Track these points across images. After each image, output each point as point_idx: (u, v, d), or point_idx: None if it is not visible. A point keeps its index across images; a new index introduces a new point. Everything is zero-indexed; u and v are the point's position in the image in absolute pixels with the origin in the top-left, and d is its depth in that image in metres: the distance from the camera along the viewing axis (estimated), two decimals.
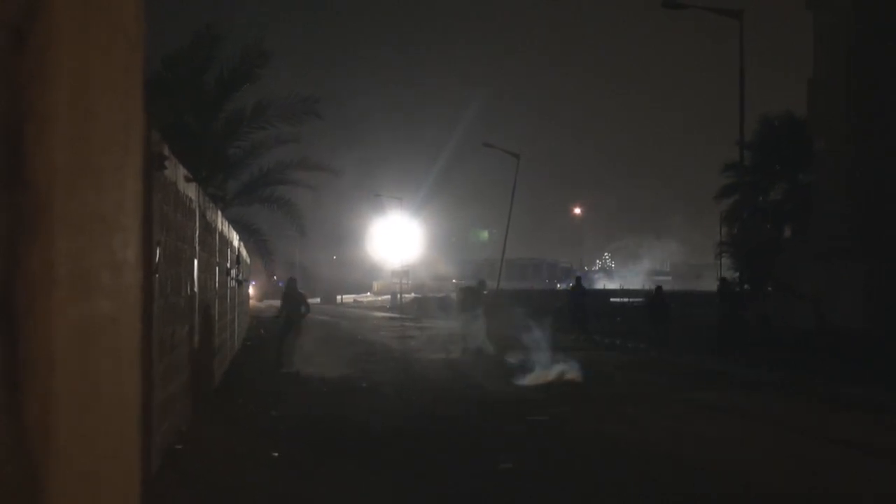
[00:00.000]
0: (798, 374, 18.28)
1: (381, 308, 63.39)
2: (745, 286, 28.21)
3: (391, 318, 47.64)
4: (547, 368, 17.32)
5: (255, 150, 24.98)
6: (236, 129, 23.86)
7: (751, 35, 36.86)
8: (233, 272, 19.33)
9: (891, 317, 24.63)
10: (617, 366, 19.90)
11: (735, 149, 28.84)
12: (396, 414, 12.99)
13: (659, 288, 26.72)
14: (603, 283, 78.21)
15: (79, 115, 0.98)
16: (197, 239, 11.57)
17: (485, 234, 45.71)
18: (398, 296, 59.80)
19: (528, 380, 16.63)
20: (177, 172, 9.62)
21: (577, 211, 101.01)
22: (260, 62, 23.40)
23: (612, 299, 47.14)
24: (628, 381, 17.13)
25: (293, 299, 19.99)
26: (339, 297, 79.49)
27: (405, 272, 63.38)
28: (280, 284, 21.00)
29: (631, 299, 50.62)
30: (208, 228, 13.36)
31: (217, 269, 15.18)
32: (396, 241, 71.98)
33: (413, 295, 66.87)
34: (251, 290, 40.39)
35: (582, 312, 28.94)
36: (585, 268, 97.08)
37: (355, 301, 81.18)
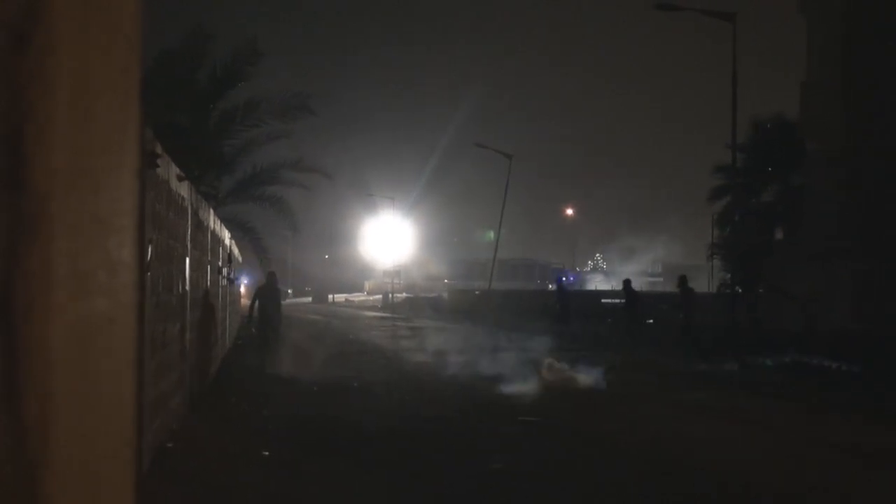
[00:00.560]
0: (788, 376, 18.34)
1: (373, 307, 63.38)
2: (737, 287, 28.26)
3: (383, 318, 47.66)
4: (538, 369, 17.33)
5: (247, 148, 24.94)
6: (228, 127, 23.82)
7: (745, 37, 36.91)
8: (224, 270, 19.29)
9: (882, 318, 24.70)
10: (607, 366, 19.91)
11: (727, 151, 28.88)
12: (389, 414, 12.98)
13: (627, 282, 26.25)
14: (595, 285, 78.27)
15: (78, 116, 0.98)
16: (189, 237, 11.55)
17: (491, 235, 45.86)
18: (390, 295, 59.79)
19: (520, 380, 16.62)
20: (169, 171, 9.60)
21: (570, 212, 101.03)
22: (253, 60, 23.35)
23: (603, 300, 47.15)
24: (621, 381, 17.14)
25: (270, 297, 19.46)
26: (330, 297, 79.45)
27: (397, 272, 63.37)
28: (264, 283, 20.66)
29: (623, 300, 50.57)
30: (200, 227, 13.35)
31: (209, 267, 15.16)
32: (388, 240, 71.96)
33: (405, 295, 66.92)
34: (243, 289, 40.32)
35: (565, 313, 29.05)
36: (577, 268, 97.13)
37: (347, 300, 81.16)
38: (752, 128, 34.50)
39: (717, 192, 35.20)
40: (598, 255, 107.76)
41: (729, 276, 29.88)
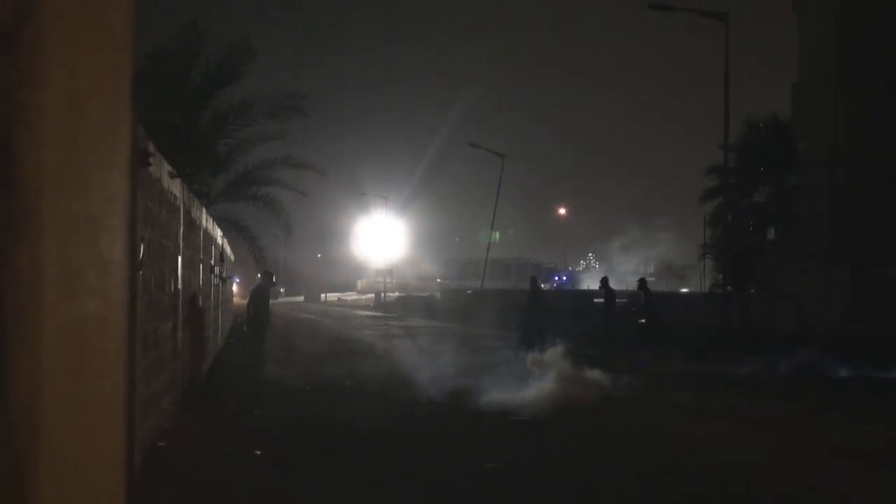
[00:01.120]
0: (782, 376, 18.37)
1: (365, 307, 63.38)
2: (729, 288, 28.31)
3: (375, 317, 47.66)
4: (532, 367, 17.33)
5: (240, 147, 24.91)
6: (222, 126, 23.78)
7: (739, 38, 37.08)
8: (216, 269, 19.25)
9: (874, 318, 24.76)
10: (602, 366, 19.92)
11: (721, 151, 28.95)
12: (383, 413, 12.98)
13: (604, 280, 26.21)
14: (587, 284, 78.28)
15: (68, 116, 0.98)
16: (181, 236, 11.53)
17: (496, 235, 45.84)
18: (382, 295, 59.79)
19: (515, 379, 16.62)
20: (161, 169, 9.59)
21: (562, 211, 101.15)
22: (247, 59, 23.32)
23: (595, 300, 47.14)
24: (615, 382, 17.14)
25: (261, 297, 19.36)
26: (323, 296, 79.42)
27: (389, 271, 63.36)
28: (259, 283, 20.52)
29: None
30: (192, 225, 13.33)
31: (201, 266, 15.14)
32: (381, 240, 71.94)
33: (397, 294, 66.92)
34: (235, 288, 40.27)
35: (535, 316, 29.10)
36: (570, 267, 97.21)
37: (339, 299, 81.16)
38: (746, 128, 34.59)
39: (710, 193, 35.25)
40: (590, 254, 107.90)
41: (721, 276, 29.94)
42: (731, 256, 28.60)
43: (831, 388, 16.82)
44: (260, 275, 20.41)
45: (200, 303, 14.92)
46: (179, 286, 11.43)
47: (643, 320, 23.36)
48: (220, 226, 22.10)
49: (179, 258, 11.38)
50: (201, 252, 15.17)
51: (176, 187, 10.97)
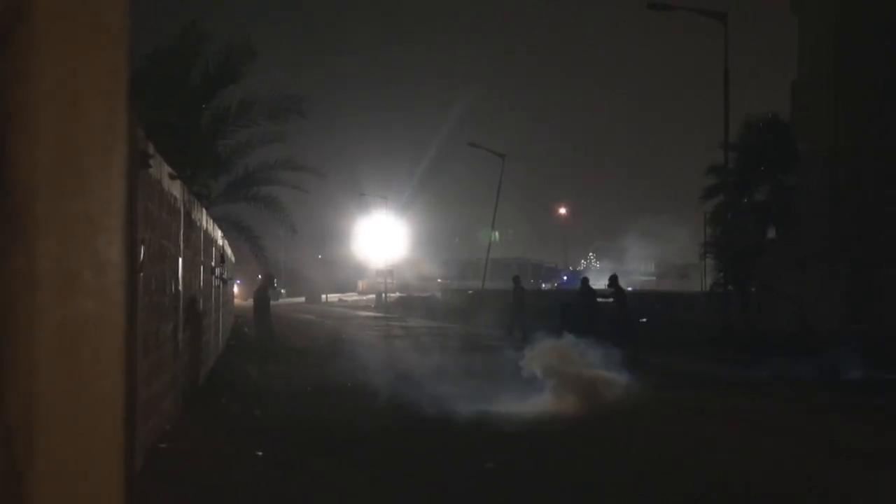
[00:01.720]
0: (781, 376, 18.34)
1: (366, 307, 63.36)
2: (730, 287, 28.30)
3: (376, 318, 47.65)
4: (533, 367, 17.27)
5: (240, 149, 24.91)
6: (221, 127, 23.78)
7: (739, 37, 37.06)
8: (217, 271, 19.25)
9: (874, 318, 24.77)
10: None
11: (720, 150, 28.96)
12: (383, 413, 12.97)
13: (584, 281, 26.23)
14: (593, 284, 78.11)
15: (63, 116, 0.98)
16: (181, 237, 11.53)
17: (496, 235, 45.88)
18: (383, 295, 59.77)
19: (514, 379, 16.58)
20: (161, 170, 9.59)
21: (562, 211, 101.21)
22: (246, 60, 23.32)
23: (599, 299, 47.06)
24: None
25: (262, 299, 19.35)
26: (323, 296, 79.41)
27: (390, 271, 63.35)
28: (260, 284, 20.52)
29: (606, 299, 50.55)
30: (192, 227, 13.33)
31: (201, 267, 15.14)
32: (381, 240, 71.93)
33: (398, 294, 66.87)
34: (236, 289, 40.27)
35: (521, 312, 29.28)
36: (570, 267, 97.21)
37: (340, 300, 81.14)
38: (745, 127, 34.59)
39: (710, 192, 35.22)
40: (591, 253, 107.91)
41: (722, 275, 29.92)
42: (731, 255, 28.59)
43: (824, 387, 16.78)
44: (261, 276, 20.45)
45: (201, 304, 14.92)
46: (180, 288, 11.43)
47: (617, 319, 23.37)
48: (220, 227, 22.10)
49: (180, 259, 11.38)
50: (202, 253, 15.17)
51: (176, 188, 10.97)
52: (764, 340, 23.71)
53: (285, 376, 17.25)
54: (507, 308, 30.22)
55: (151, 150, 8.58)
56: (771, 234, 35.15)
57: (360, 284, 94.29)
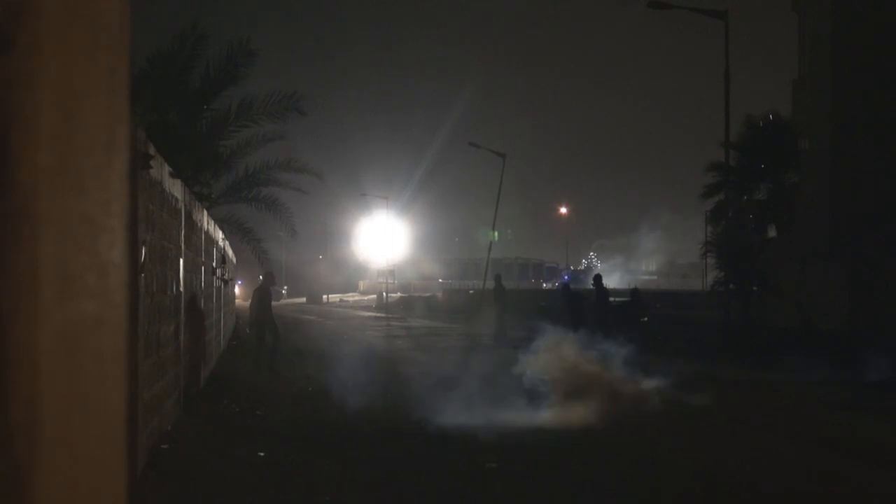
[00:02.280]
0: (783, 374, 18.33)
1: (367, 307, 63.35)
2: (731, 285, 28.29)
3: (377, 318, 47.64)
4: (530, 367, 17.25)
5: (240, 149, 24.91)
6: (222, 128, 23.77)
7: (739, 36, 37.13)
8: (218, 271, 19.26)
9: (875, 317, 24.76)
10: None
11: (721, 148, 28.96)
12: (384, 414, 12.98)
13: (565, 284, 26.46)
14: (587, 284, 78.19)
15: (64, 117, 0.98)
16: (182, 238, 11.54)
17: (495, 235, 45.87)
18: (384, 295, 59.79)
19: (513, 380, 16.58)
20: (162, 172, 9.60)
21: (563, 210, 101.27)
22: (246, 61, 23.32)
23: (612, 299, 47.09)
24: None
25: (262, 298, 19.29)
26: (325, 297, 79.45)
27: (391, 271, 63.37)
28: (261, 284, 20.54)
29: (615, 299, 50.60)
30: (193, 227, 13.33)
31: (203, 268, 15.15)
32: (382, 240, 71.96)
33: (399, 294, 66.92)
34: (237, 290, 40.29)
35: (503, 311, 29.48)
36: (571, 266, 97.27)
37: (341, 300, 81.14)
38: (746, 126, 34.59)
39: (711, 190, 35.24)
40: (591, 253, 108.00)
41: (723, 273, 29.91)
42: (731, 253, 28.58)
43: (825, 386, 16.69)
44: (262, 276, 20.48)
45: (202, 305, 14.93)
46: (181, 288, 11.43)
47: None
48: (222, 228, 22.11)
49: (181, 260, 11.38)
50: (203, 254, 15.17)
51: (177, 189, 10.98)
52: (766, 338, 23.70)
53: (287, 377, 17.26)
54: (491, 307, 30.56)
55: (152, 150, 8.59)
56: (771, 232, 35.15)
57: (362, 284, 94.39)
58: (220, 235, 20.64)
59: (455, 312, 42.94)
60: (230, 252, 26.03)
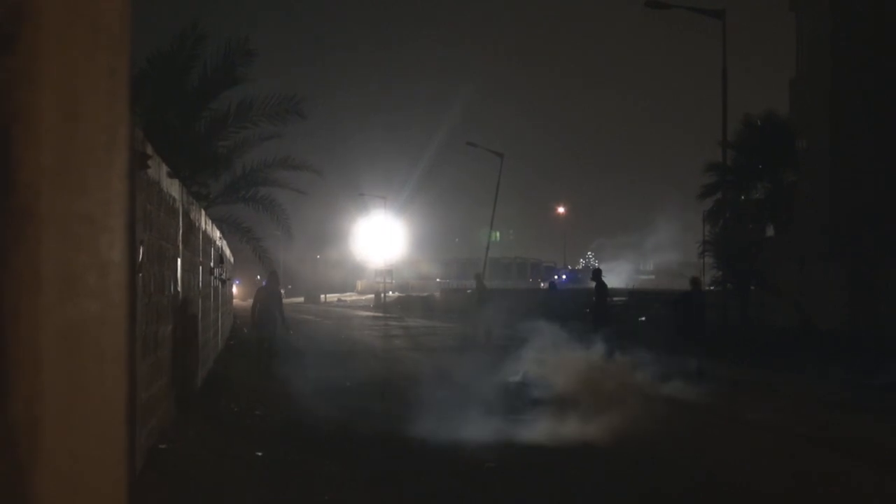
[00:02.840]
0: (782, 374, 18.32)
1: (365, 307, 63.35)
2: (728, 285, 28.31)
3: (375, 318, 47.62)
4: (528, 366, 17.27)
5: (238, 149, 24.89)
6: (220, 129, 23.74)
7: (735, 35, 37.08)
8: (216, 271, 19.24)
9: (873, 316, 24.77)
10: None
11: (718, 148, 28.98)
12: (383, 414, 12.98)
13: (552, 284, 26.52)
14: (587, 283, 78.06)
15: (65, 117, 0.98)
16: (180, 238, 11.53)
17: (497, 235, 45.91)
18: (382, 295, 59.79)
19: (512, 378, 16.59)
20: (160, 171, 9.59)
21: (561, 210, 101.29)
22: (244, 61, 23.29)
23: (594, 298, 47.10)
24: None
25: (271, 299, 19.21)
26: (322, 297, 79.41)
27: (388, 271, 63.33)
28: (264, 284, 20.50)
29: (613, 298, 50.57)
30: (191, 227, 13.32)
31: (200, 268, 15.13)
32: (380, 240, 71.94)
33: (397, 294, 66.90)
34: (235, 290, 40.26)
35: (484, 310, 29.64)
36: (569, 266, 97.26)
37: (339, 300, 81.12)
38: (744, 125, 34.61)
39: (709, 190, 35.25)
40: (589, 252, 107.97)
41: (720, 273, 29.93)
42: (729, 253, 28.60)
43: (825, 385, 16.65)
44: (269, 277, 20.41)
45: (200, 304, 14.91)
46: (179, 288, 11.42)
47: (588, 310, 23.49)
48: (220, 228, 22.09)
49: (179, 260, 11.38)
50: (200, 254, 15.16)
51: (175, 189, 10.97)
52: (764, 338, 23.68)
53: (284, 377, 17.25)
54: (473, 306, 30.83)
55: (150, 150, 8.58)
56: (769, 231, 35.18)
57: (359, 284, 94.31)
58: (217, 235, 20.63)
59: (452, 312, 42.94)
60: (228, 252, 26.02)
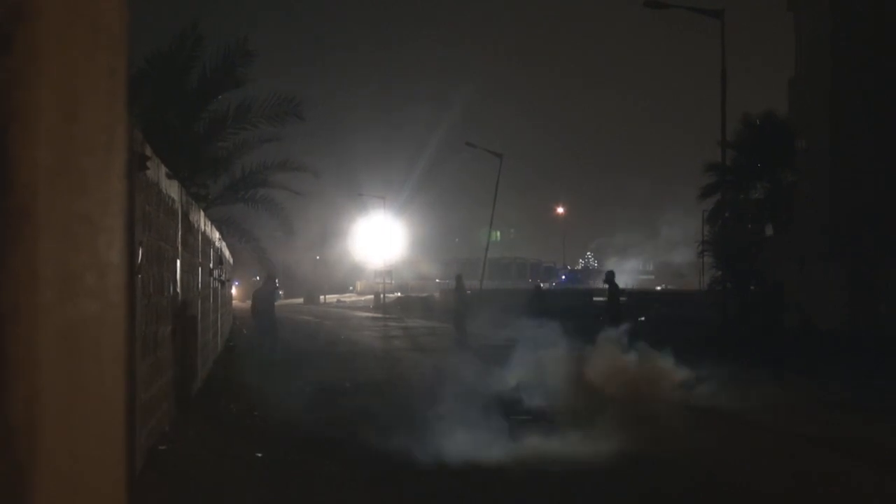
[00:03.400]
0: (781, 374, 18.28)
1: (365, 308, 63.32)
2: (728, 285, 28.31)
3: (374, 318, 47.61)
4: (527, 366, 17.23)
5: (238, 150, 24.89)
6: (220, 130, 23.75)
7: (734, 34, 37.11)
8: (215, 272, 19.24)
9: (872, 316, 24.77)
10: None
11: (718, 148, 28.98)
12: (382, 415, 12.97)
13: (538, 287, 26.61)
14: (594, 282, 78.10)
15: (63, 117, 0.98)
16: (179, 239, 11.53)
17: (497, 235, 45.97)
18: (381, 295, 59.77)
19: (510, 378, 16.56)
20: (159, 172, 9.59)
21: (560, 210, 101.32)
22: (244, 62, 23.29)
23: (595, 299, 47.15)
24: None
25: (264, 299, 19.22)
26: (322, 297, 79.36)
27: (388, 272, 63.32)
28: (261, 285, 20.51)
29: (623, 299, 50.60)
30: (191, 228, 13.32)
31: (200, 269, 15.13)
32: (379, 240, 71.90)
33: (396, 294, 66.88)
34: (234, 291, 40.26)
35: (463, 311, 29.72)
36: (569, 266, 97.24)
37: (338, 301, 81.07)
38: (743, 125, 34.63)
39: (708, 190, 35.26)
40: (588, 253, 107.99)
41: (720, 273, 29.94)
42: (729, 253, 28.60)
43: (826, 386, 16.61)
44: (265, 277, 20.40)
45: (200, 306, 14.91)
46: (178, 289, 11.42)
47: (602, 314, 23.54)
48: (219, 228, 22.09)
49: (178, 261, 11.37)
50: (200, 255, 15.16)
51: (174, 190, 10.97)
52: (764, 339, 23.62)
53: (284, 377, 17.24)
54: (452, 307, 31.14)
55: (149, 151, 8.58)
56: (769, 231, 35.18)
57: (359, 285, 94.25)
58: (217, 236, 20.63)
59: (451, 312, 42.93)
60: (227, 253, 26.01)
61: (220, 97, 23.41)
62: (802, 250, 28.79)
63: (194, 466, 9.10)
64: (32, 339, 0.92)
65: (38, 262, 0.92)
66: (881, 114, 26.10)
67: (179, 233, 11.53)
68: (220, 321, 22.55)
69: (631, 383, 14.71)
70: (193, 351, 13.83)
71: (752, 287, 28.99)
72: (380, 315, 50.58)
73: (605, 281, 23.88)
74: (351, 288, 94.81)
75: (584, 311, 28.90)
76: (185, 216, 12.39)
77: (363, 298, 79.65)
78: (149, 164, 8.48)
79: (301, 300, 77.00)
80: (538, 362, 15.93)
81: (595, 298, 46.81)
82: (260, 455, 9.83)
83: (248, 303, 20.92)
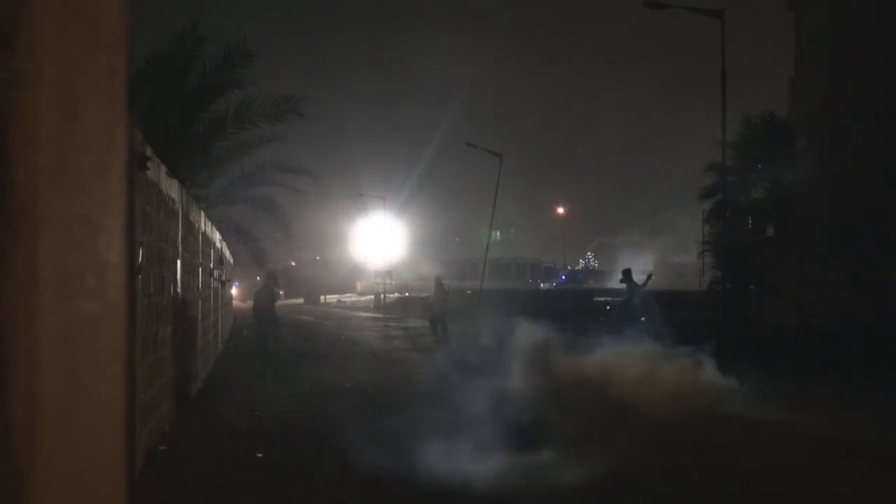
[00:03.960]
0: (781, 374, 18.27)
1: (365, 308, 63.28)
2: (728, 285, 28.29)
3: (375, 319, 47.59)
4: (527, 366, 17.21)
5: (238, 150, 24.91)
6: (219, 130, 23.77)
7: (734, 34, 37.10)
8: (216, 273, 19.24)
9: (873, 316, 24.76)
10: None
11: (718, 148, 28.97)
12: (382, 415, 12.96)
13: (627, 272, 26.44)
14: (591, 283, 78.23)
15: (63, 117, 0.98)
16: (180, 239, 11.53)
17: (497, 235, 45.99)
18: (381, 296, 59.75)
19: (509, 377, 16.54)
20: (159, 172, 9.59)
21: (560, 210, 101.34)
22: (243, 62, 23.30)
23: (595, 298, 47.15)
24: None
25: (264, 299, 19.19)
26: (322, 298, 79.34)
27: (388, 272, 63.30)
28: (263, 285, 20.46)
29: (614, 298, 50.65)
30: (191, 229, 13.32)
31: (200, 269, 15.13)
32: (380, 240, 71.87)
33: (397, 295, 66.87)
34: (234, 291, 40.26)
35: (441, 312, 29.88)
36: (569, 266, 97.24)
37: (339, 301, 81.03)
38: (743, 125, 34.62)
39: (708, 190, 35.25)
40: (588, 253, 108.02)
41: (720, 273, 29.92)
42: (729, 253, 28.57)
43: (827, 386, 16.61)
44: (267, 277, 20.32)
45: (200, 306, 14.91)
46: (179, 289, 11.43)
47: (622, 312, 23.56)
48: (219, 229, 22.10)
49: (178, 261, 11.37)
50: (200, 255, 15.16)
51: (174, 191, 10.97)
52: (763, 338, 23.65)
53: (284, 378, 17.24)
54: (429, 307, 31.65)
55: (149, 151, 8.58)
56: (769, 231, 35.16)
57: (359, 285, 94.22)
58: (217, 237, 20.63)
59: (452, 313, 42.90)
60: (227, 253, 26.02)
61: (219, 97, 23.43)
62: (802, 250, 28.78)
63: (194, 466, 9.10)
64: (32, 339, 0.92)
65: (38, 262, 0.92)
66: (881, 114, 26.09)
67: (180, 233, 11.53)
68: (221, 321, 22.55)
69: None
70: (194, 351, 13.83)
71: (751, 287, 28.99)
72: (380, 315, 50.56)
73: (622, 280, 23.97)
74: (355, 290, 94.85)
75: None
76: (186, 216, 12.39)
77: (364, 299, 79.61)
78: (149, 164, 8.49)
79: (301, 300, 77.04)
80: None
81: (595, 298, 46.85)
82: (260, 455, 9.83)
83: (249, 303, 20.90)
